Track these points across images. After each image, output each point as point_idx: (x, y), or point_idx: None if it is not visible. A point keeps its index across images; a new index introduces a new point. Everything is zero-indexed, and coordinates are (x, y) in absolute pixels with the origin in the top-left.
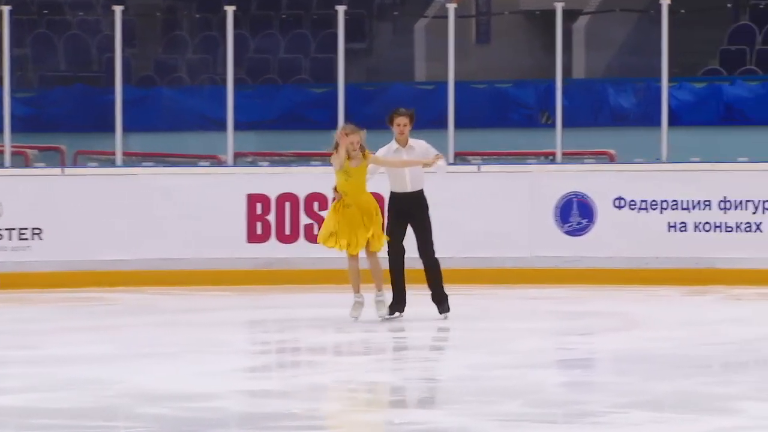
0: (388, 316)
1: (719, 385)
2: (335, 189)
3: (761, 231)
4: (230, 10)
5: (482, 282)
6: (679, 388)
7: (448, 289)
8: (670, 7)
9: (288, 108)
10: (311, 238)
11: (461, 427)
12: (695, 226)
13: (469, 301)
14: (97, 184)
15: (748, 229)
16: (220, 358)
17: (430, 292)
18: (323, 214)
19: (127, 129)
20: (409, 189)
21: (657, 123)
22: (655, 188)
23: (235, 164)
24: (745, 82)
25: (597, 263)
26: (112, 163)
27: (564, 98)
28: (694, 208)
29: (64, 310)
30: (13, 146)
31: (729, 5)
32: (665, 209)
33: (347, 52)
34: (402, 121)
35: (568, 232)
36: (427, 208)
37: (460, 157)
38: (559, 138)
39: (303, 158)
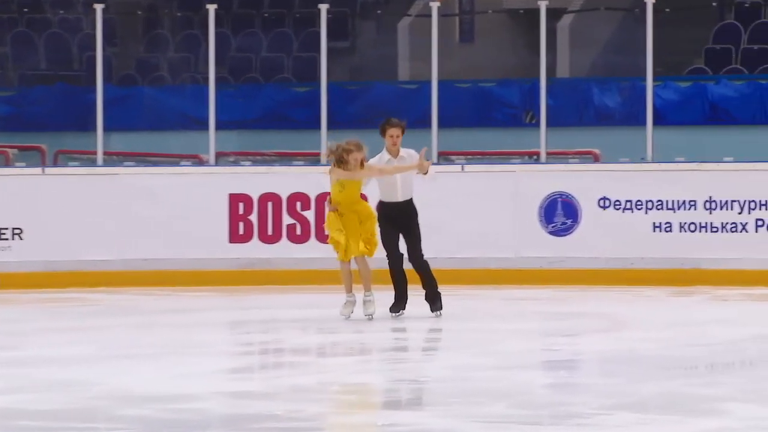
0: (394, 315)
1: (705, 386)
2: (329, 199)
3: (747, 231)
4: (212, 8)
5: (466, 283)
6: (665, 389)
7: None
8: (655, 6)
9: (270, 107)
10: (294, 238)
11: (446, 428)
12: (681, 227)
13: (454, 302)
14: (78, 183)
15: (733, 229)
16: (202, 359)
17: (424, 292)
18: (306, 214)
19: (108, 128)
20: (399, 198)
21: (642, 122)
22: (640, 188)
23: (217, 164)
24: (730, 82)
25: (582, 264)
26: (93, 163)
27: (548, 97)
28: (679, 208)
29: (45, 311)
30: None
31: (714, 4)
32: (650, 209)
33: (330, 50)
34: (395, 132)
35: (552, 233)
36: (416, 215)
37: (444, 157)
38: (543, 137)
39: (285, 158)
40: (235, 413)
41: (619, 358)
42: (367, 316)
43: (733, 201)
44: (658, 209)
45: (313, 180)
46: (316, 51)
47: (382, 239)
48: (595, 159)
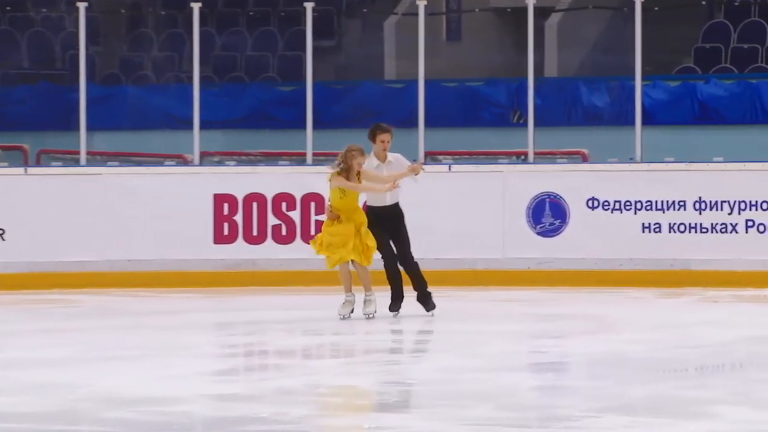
0: (393, 313)
1: (694, 388)
2: (330, 206)
3: (737, 232)
4: (196, 6)
5: (453, 284)
6: (654, 391)
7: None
8: (644, 4)
9: (255, 106)
10: (279, 239)
11: (433, 431)
12: (670, 227)
13: (440, 304)
14: (60, 183)
15: (723, 229)
16: (186, 361)
17: (415, 294)
18: (291, 214)
19: (91, 128)
20: (388, 202)
21: (631, 122)
22: (629, 188)
23: (201, 164)
24: (720, 81)
25: (570, 265)
26: (76, 163)
27: (536, 97)
28: (668, 208)
29: (28, 313)
30: None
31: (703, 2)
32: (639, 210)
33: (316, 49)
34: (386, 138)
35: (540, 233)
36: (403, 217)
37: (431, 157)
38: (531, 137)
39: (271, 158)
40: (221, 416)
41: (607, 361)
42: (367, 316)
43: (723, 201)
44: (647, 210)
45: (299, 180)
46: (301, 50)
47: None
48: (584, 159)
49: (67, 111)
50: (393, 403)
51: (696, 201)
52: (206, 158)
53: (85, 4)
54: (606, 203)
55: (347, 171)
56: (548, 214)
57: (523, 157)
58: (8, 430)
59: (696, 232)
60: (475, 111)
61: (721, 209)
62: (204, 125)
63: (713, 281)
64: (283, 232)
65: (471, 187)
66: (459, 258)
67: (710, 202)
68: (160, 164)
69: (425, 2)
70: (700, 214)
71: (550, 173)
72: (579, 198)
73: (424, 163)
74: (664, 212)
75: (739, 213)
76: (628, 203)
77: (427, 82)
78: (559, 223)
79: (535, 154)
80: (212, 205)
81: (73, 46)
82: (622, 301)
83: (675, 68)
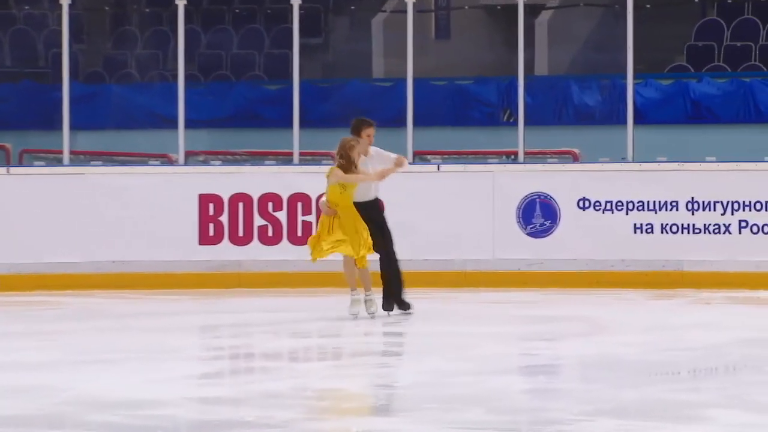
0: (404, 313)
1: (687, 392)
2: (326, 202)
3: (730, 233)
4: (181, 4)
5: (442, 285)
6: (646, 395)
7: (408, 292)
8: (636, 2)
9: (241, 105)
10: (265, 240)
11: None
12: (662, 228)
13: (429, 305)
14: (43, 183)
15: (716, 230)
16: (171, 364)
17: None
18: (278, 215)
19: (74, 127)
20: (372, 197)
21: (622, 121)
22: (621, 188)
23: (186, 163)
24: (712, 79)
25: (561, 266)
26: (59, 162)
27: (526, 95)
28: (660, 209)
29: (10, 315)
30: None
31: (696, 0)
32: (631, 210)
33: (302, 47)
34: (372, 132)
35: (530, 234)
36: (384, 210)
37: (419, 156)
38: (521, 137)
39: (257, 157)
40: (206, 419)
41: (599, 363)
42: (370, 315)
43: (716, 202)
44: (639, 210)
45: (285, 180)
46: (288, 48)
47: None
48: (575, 159)
49: (50, 110)
50: (381, 407)
51: (688, 201)
52: (191, 158)
53: (69, 1)
54: (597, 203)
55: (348, 164)
56: (539, 214)
57: (513, 156)
58: None
59: (689, 232)
60: (464, 110)
61: (714, 209)
62: (189, 124)
63: (706, 282)
64: (270, 233)
65: (460, 187)
66: (448, 259)
67: (703, 202)
68: (145, 164)
69: None
70: (693, 214)
71: (541, 173)
72: (570, 198)
73: (412, 163)
74: (656, 213)
75: (733, 213)
76: (619, 203)
77: (415, 80)
78: (550, 223)
79: (526, 153)
80: (197, 206)
81: (56, 43)
82: (613, 302)
83: (667, 67)
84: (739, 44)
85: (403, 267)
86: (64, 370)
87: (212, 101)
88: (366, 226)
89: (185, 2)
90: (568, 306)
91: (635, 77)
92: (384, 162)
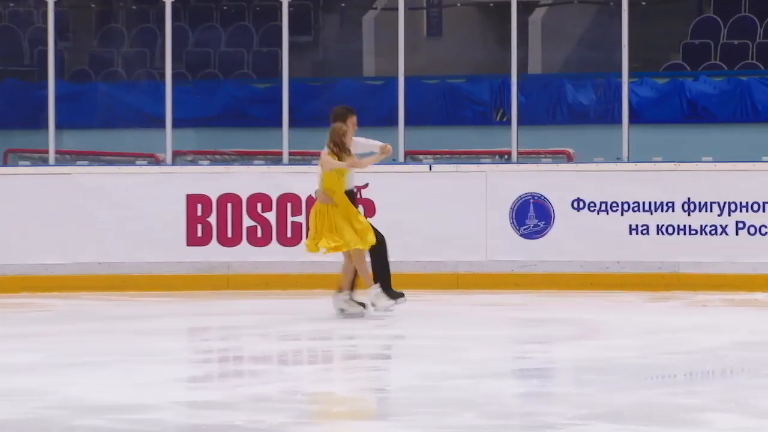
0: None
1: (683, 395)
2: (324, 190)
3: (727, 234)
4: (168, 1)
5: (434, 287)
6: (642, 399)
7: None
8: None
9: (230, 104)
10: (254, 241)
11: None
12: (658, 229)
13: (421, 308)
14: (28, 183)
15: (713, 232)
16: (158, 367)
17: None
18: (267, 215)
19: (60, 126)
20: (352, 186)
21: (617, 120)
22: (616, 189)
23: (174, 163)
24: (709, 78)
25: (555, 267)
26: (44, 162)
27: (520, 94)
28: (656, 209)
29: None
30: None
31: None
32: (626, 211)
33: (292, 45)
34: (356, 120)
35: (524, 235)
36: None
37: (411, 156)
38: (514, 136)
39: (245, 157)
40: (194, 423)
41: (593, 367)
42: (388, 308)
43: (712, 202)
44: (635, 211)
45: (275, 180)
46: (277, 46)
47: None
48: (569, 158)
49: (35, 108)
50: (372, 411)
51: (685, 202)
52: (179, 157)
53: None
54: (592, 204)
55: (341, 151)
56: (532, 215)
57: (506, 156)
58: None
59: (685, 234)
60: (456, 109)
61: (711, 210)
62: (176, 123)
63: (703, 285)
64: (259, 234)
65: (452, 188)
66: (440, 261)
67: (699, 203)
68: (132, 164)
69: None
70: (689, 215)
71: (535, 173)
72: (564, 199)
73: (404, 163)
74: (651, 213)
75: (730, 214)
76: (614, 204)
77: (407, 79)
78: (544, 224)
79: (519, 153)
80: (185, 206)
81: (41, 41)
82: (608, 305)
83: (663, 65)
84: (736, 42)
85: (394, 269)
86: (50, 374)
87: (200, 100)
88: (359, 214)
89: None
90: (562, 308)
91: (630, 76)
92: (367, 150)
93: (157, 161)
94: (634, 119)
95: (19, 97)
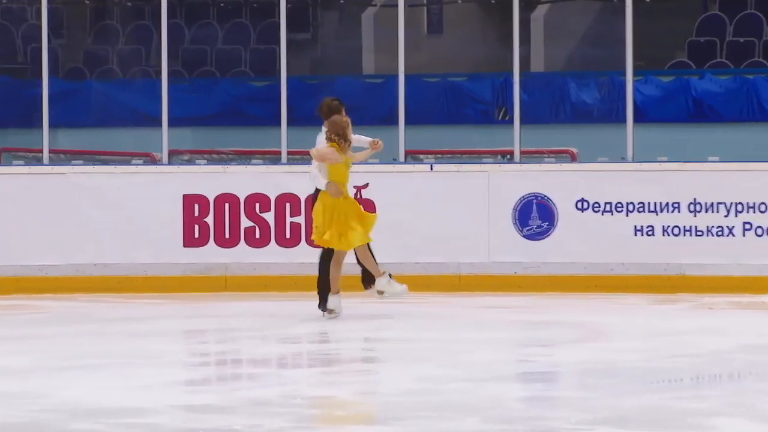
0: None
1: (690, 400)
2: (334, 184)
3: (734, 235)
4: None
5: (435, 289)
6: (648, 403)
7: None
8: None
9: (227, 102)
10: (252, 242)
11: None
12: (663, 230)
13: (421, 310)
14: (22, 183)
15: (719, 233)
16: (155, 370)
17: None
18: (265, 216)
19: (54, 124)
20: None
21: (622, 119)
22: (620, 189)
23: (170, 162)
24: (715, 76)
25: (558, 269)
26: (38, 162)
27: (522, 93)
28: (662, 210)
29: None
30: None
31: None
32: (631, 212)
33: (290, 43)
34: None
35: (527, 236)
36: None
37: (412, 156)
38: (517, 135)
39: (243, 156)
40: (191, 427)
41: (598, 370)
42: (401, 294)
43: (719, 203)
44: (640, 212)
45: (273, 180)
46: (275, 43)
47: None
48: (572, 158)
49: (28, 107)
50: (373, 415)
51: (691, 203)
52: (175, 157)
53: None
54: (596, 205)
55: (346, 144)
56: (535, 216)
57: (508, 156)
58: None
59: (691, 235)
60: (457, 107)
61: (717, 211)
62: (173, 122)
63: (709, 287)
64: (257, 235)
65: (454, 188)
66: (441, 262)
67: (705, 203)
68: (127, 163)
69: None
70: (695, 216)
71: (537, 173)
72: (568, 199)
73: (404, 163)
74: (657, 214)
75: (736, 215)
76: (619, 205)
77: (407, 77)
78: (547, 225)
79: (522, 153)
80: (182, 206)
81: (35, 38)
82: (613, 307)
83: (668, 63)
84: (742, 40)
85: (394, 270)
86: (44, 377)
87: (197, 98)
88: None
89: None
90: (566, 311)
91: (635, 74)
92: (357, 146)
93: (153, 161)
94: (638, 118)
95: (13, 96)
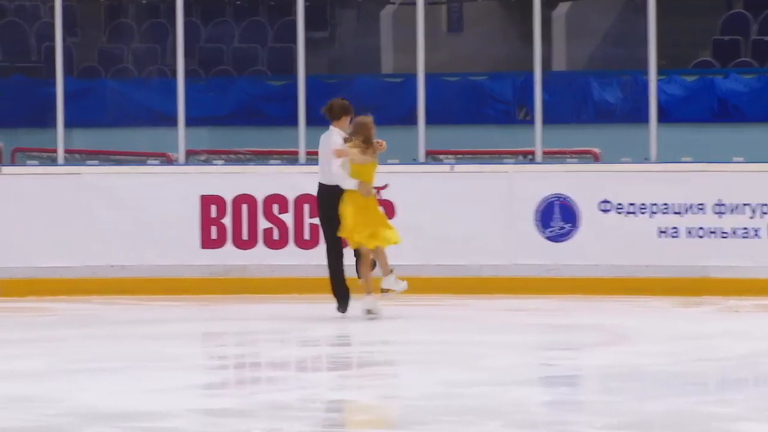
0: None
1: (715, 404)
2: (365, 183)
3: (759, 237)
4: None
5: (456, 292)
6: (672, 407)
7: (419, 298)
8: None
9: (244, 102)
10: (270, 243)
11: None
12: (688, 232)
13: (442, 313)
14: (36, 183)
15: (745, 234)
16: (173, 373)
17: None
18: (283, 217)
19: (69, 124)
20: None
21: (645, 119)
22: (644, 190)
23: (187, 163)
24: (739, 75)
25: (581, 272)
26: (53, 162)
27: (544, 92)
28: (686, 211)
29: (0, 322)
30: None
31: None
32: (655, 213)
33: (308, 41)
34: None
35: (549, 238)
36: None
37: (432, 156)
38: (538, 135)
39: (261, 156)
40: (209, 431)
41: (622, 374)
42: (400, 290)
43: (744, 204)
44: (664, 213)
45: (291, 180)
46: (292, 42)
47: (331, 231)
48: (595, 159)
49: (43, 106)
50: (394, 419)
51: (715, 204)
52: (192, 157)
53: None
54: (619, 206)
55: (368, 145)
56: (558, 217)
57: (530, 156)
58: None
59: (715, 236)
60: (478, 107)
61: (743, 213)
62: (189, 122)
63: (734, 289)
64: (275, 236)
65: (475, 189)
66: (463, 264)
67: (731, 204)
68: (143, 163)
69: None
70: (720, 217)
71: (560, 174)
72: (590, 200)
73: (424, 163)
74: (681, 216)
75: (761, 216)
76: (642, 206)
77: (426, 76)
78: (570, 227)
79: (543, 153)
80: (199, 208)
81: (49, 37)
82: (637, 310)
83: (692, 62)
84: (766, 38)
85: (414, 272)
86: (59, 380)
87: (213, 98)
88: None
89: None
90: (588, 314)
91: (658, 73)
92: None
93: (169, 161)
94: (662, 118)
95: (26, 95)
